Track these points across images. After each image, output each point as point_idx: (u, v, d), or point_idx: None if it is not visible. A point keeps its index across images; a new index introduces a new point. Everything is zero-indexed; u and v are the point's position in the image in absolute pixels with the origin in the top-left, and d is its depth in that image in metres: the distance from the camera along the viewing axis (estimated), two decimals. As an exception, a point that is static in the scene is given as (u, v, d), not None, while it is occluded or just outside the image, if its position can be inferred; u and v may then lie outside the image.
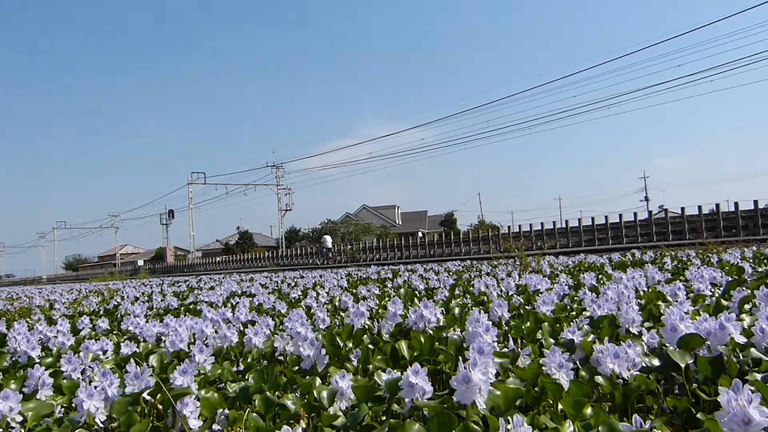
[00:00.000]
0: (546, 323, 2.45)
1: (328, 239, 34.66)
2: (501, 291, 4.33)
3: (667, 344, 1.88)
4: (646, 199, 60.66)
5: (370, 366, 2.15)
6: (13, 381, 2.14)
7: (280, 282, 8.97)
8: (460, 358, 1.78)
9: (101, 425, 1.71)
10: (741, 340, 1.76)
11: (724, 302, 2.75)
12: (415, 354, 2.16)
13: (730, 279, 3.61)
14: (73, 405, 1.78)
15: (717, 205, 19.89)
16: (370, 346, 2.47)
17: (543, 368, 1.72)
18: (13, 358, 2.82)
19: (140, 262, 54.39)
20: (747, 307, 2.54)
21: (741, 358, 1.78)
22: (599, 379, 1.72)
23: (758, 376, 1.56)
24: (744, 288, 2.99)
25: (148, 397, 1.84)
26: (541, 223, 24.16)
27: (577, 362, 1.97)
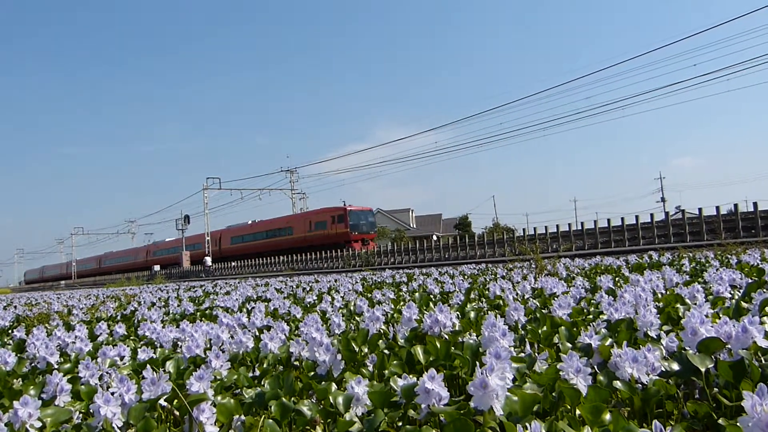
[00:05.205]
0: (563, 327, 2.43)
1: (208, 260, 44.77)
2: (517, 294, 4.31)
3: (686, 348, 1.85)
4: (663, 200, 60.08)
5: (386, 371, 2.14)
6: (32, 387, 2.16)
7: (295, 286, 8.99)
8: (477, 363, 1.77)
9: (118, 431, 1.72)
10: (764, 343, 1.73)
11: (744, 305, 2.70)
12: (431, 359, 2.15)
13: (750, 281, 3.55)
14: (91, 411, 1.79)
15: (735, 206, 19.61)
16: (386, 351, 2.46)
17: (560, 373, 1.70)
18: (33, 364, 2.85)
19: (156, 267, 54.70)
20: (768, 309, 2.50)
21: (763, 362, 1.75)
22: (618, 383, 1.70)
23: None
24: (765, 290, 2.94)
25: (164, 403, 1.85)
26: (557, 225, 23.98)
27: (595, 367, 1.95)
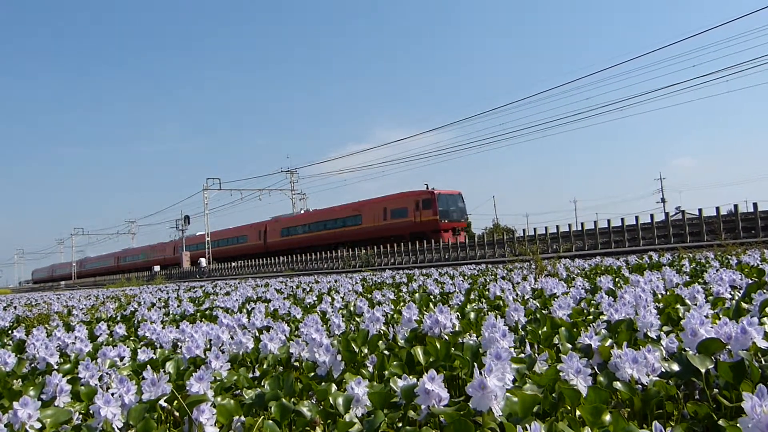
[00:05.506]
0: (563, 328, 2.42)
1: (203, 261, 46.12)
2: (517, 295, 4.30)
3: (686, 349, 1.85)
4: (663, 200, 60.10)
5: (386, 372, 2.14)
6: (32, 387, 2.16)
7: (295, 287, 8.98)
8: (477, 363, 1.76)
9: (118, 432, 1.72)
10: (763, 344, 1.73)
11: (744, 305, 2.70)
12: (431, 360, 2.15)
13: (750, 282, 3.55)
14: (90, 412, 1.79)
15: (735, 206, 19.62)
16: (386, 352, 2.46)
17: (560, 374, 1.70)
18: (32, 365, 2.85)
19: (156, 268, 54.63)
20: (768, 310, 2.49)
21: (763, 362, 1.75)
22: (618, 384, 1.70)
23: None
24: (765, 291, 2.94)
25: (164, 404, 1.85)
26: (557, 226, 23.98)
27: (595, 367, 1.95)
